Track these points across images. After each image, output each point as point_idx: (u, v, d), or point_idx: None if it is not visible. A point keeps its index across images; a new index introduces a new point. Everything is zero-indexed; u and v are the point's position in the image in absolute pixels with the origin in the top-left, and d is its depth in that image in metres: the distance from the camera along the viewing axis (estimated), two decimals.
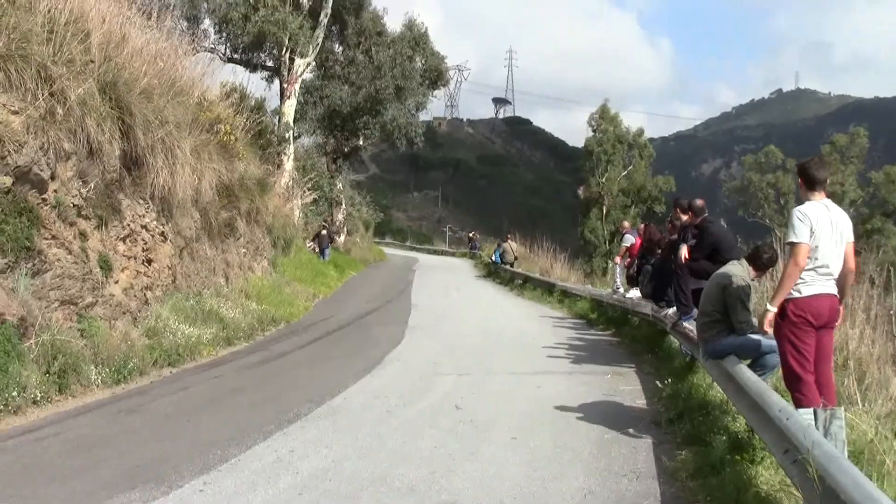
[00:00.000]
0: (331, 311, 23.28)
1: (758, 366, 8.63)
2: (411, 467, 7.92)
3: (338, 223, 46.53)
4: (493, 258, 43.26)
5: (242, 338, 17.10)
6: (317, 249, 37.49)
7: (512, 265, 39.73)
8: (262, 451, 8.49)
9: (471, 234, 70.49)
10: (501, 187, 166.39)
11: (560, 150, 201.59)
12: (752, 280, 9.36)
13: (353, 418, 10.12)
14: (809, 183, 7.59)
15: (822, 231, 7.34)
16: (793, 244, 7.27)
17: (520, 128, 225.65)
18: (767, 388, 7.06)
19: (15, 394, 9.76)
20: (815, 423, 5.99)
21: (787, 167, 75.07)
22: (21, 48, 11.08)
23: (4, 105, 10.69)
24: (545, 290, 29.57)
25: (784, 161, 77.81)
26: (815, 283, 7.40)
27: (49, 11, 12.16)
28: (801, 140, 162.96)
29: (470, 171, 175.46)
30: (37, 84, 11.21)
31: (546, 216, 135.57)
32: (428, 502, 6.89)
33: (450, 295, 30.31)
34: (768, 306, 7.50)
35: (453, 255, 69.11)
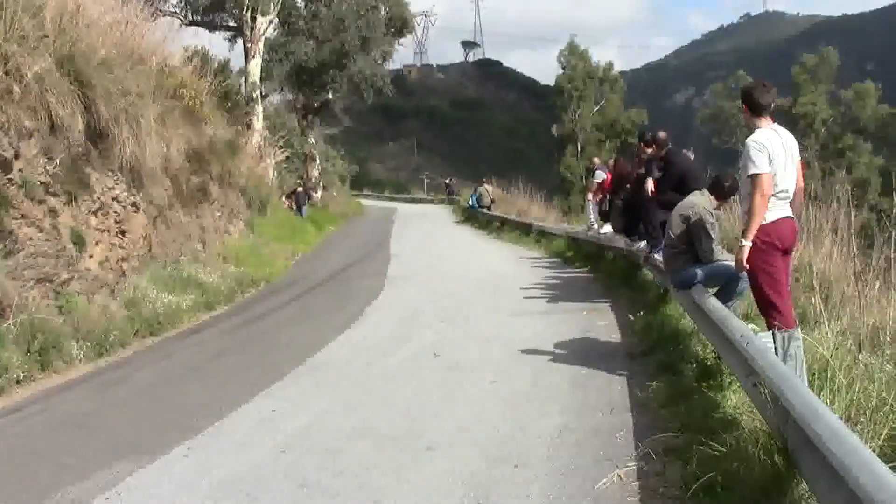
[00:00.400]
0: (311, 268, 23.36)
1: (725, 293, 8.76)
2: (393, 417, 8.10)
3: (313, 179, 46.36)
4: (470, 203, 43.29)
5: (223, 301, 17.14)
6: (294, 207, 37.40)
7: (489, 208, 39.81)
8: (245, 412, 8.63)
9: (448, 181, 70.48)
10: (476, 131, 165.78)
11: (532, 90, 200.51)
12: (715, 209, 9.49)
13: (334, 373, 10.28)
14: (755, 108, 7.60)
15: (777, 156, 7.38)
16: (755, 175, 7.28)
17: (490, 70, 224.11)
18: (730, 315, 7.23)
19: None
20: (775, 346, 6.14)
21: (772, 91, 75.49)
22: None
23: None
24: (522, 231, 29.70)
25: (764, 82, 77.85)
26: (776, 209, 7.46)
27: None
28: (772, 63, 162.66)
29: (443, 118, 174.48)
30: None
31: (523, 157, 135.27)
32: (409, 450, 7.04)
33: (428, 243, 30.36)
34: (743, 241, 7.52)
35: (432, 202, 69.08)
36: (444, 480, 6.24)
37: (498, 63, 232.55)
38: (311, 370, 10.51)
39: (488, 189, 41.89)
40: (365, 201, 63.89)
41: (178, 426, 8.17)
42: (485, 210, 39.77)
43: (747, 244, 7.37)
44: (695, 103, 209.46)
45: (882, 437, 5.15)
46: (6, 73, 11.47)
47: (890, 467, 3.60)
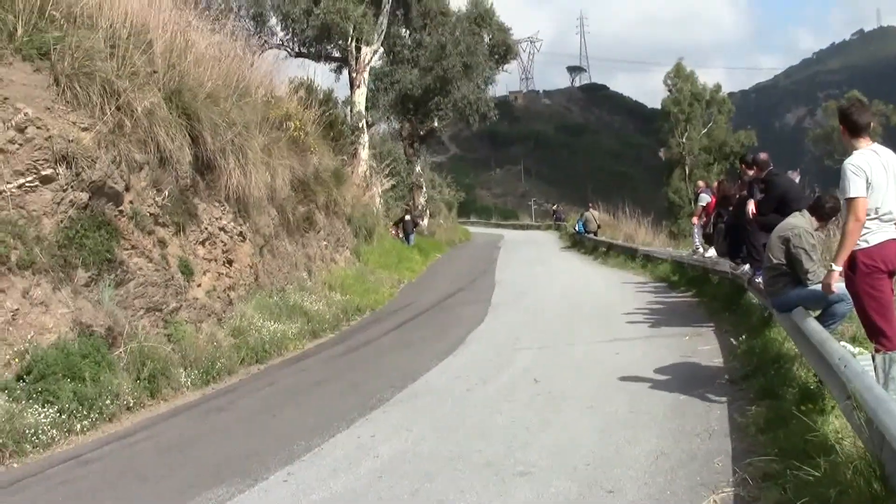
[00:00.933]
0: (415, 296, 23.49)
1: (827, 315, 8.57)
2: (488, 443, 8.10)
3: (420, 207, 46.66)
4: (577, 228, 43.12)
5: (328, 329, 17.39)
6: (401, 235, 37.61)
7: (595, 234, 39.56)
8: (344, 438, 8.75)
9: (554, 207, 70.43)
10: (583, 156, 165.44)
11: (639, 113, 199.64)
12: (816, 230, 9.31)
13: (433, 399, 10.34)
14: (853, 129, 7.42)
15: (878, 178, 7.18)
16: (851, 199, 7.12)
17: (596, 94, 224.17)
18: (829, 337, 7.06)
19: (108, 402, 10.15)
20: (875, 370, 6.00)
21: (872, 110, 73.87)
22: (85, 65, 11.43)
23: (74, 123, 11.06)
24: (628, 255, 29.43)
25: (870, 104, 76.25)
26: (880, 231, 7.28)
27: (111, 27, 12.47)
28: (887, 80, 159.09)
29: (549, 143, 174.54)
30: (103, 99, 11.55)
31: (629, 180, 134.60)
32: (503, 475, 7.03)
33: (533, 269, 30.20)
34: (833, 266, 7.40)
35: (538, 228, 68.97)
36: None
37: (604, 87, 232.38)
38: (410, 397, 10.60)
39: (594, 214, 41.70)
40: (472, 228, 64.21)
41: (279, 452, 8.34)
42: (591, 235, 39.52)
43: (837, 269, 7.25)
44: (807, 123, 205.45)
45: None
46: (118, 109, 11.89)
47: None
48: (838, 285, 7.54)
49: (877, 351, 6.88)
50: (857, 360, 6.11)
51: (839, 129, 7.97)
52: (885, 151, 7.44)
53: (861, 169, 7.11)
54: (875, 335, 7.22)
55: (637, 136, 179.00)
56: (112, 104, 11.72)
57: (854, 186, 7.07)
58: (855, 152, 7.30)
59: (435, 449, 8.06)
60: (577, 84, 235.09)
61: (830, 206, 9.10)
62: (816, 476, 5.46)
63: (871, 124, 7.58)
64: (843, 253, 7.19)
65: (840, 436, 6.32)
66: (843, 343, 7.14)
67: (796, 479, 5.62)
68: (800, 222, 9.10)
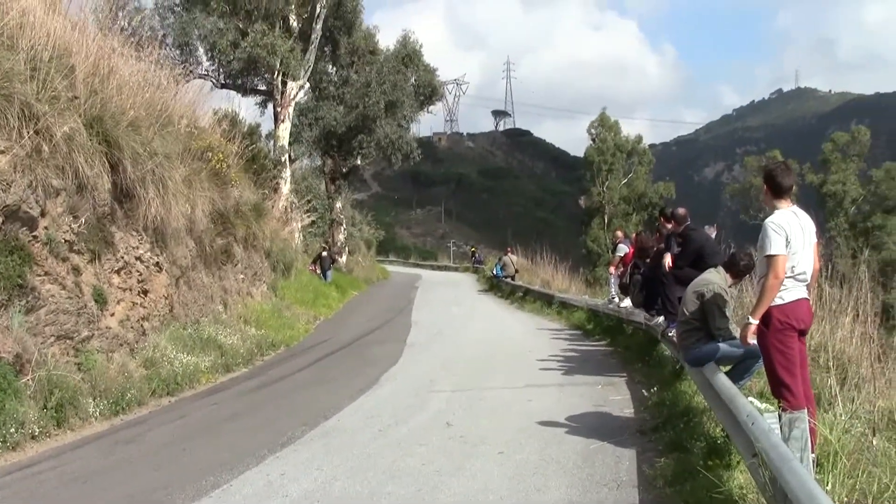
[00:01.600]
0: (331, 333, 23.38)
1: (738, 371, 8.76)
2: (399, 485, 8.07)
3: (339, 243, 46.46)
4: (495, 272, 43.41)
5: (241, 363, 17.20)
6: (318, 271, 37.36)
7: (513, 278, 39.89)
8: (253, 475, 8.65)
9: (473, 250, 70.75)
10: (504, 200, 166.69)
11: (562, 160, 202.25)
12: (730, 286, 9.50)
13: (345, 439, 10.27)
14: (777, 191, 7.63)
15: (796, 239, 7.41)
16: (771, 257, 7.33)
17: (520, 139, 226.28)
18: (738, 394, 7.20)
19: (12, 430, 9.87)
20: (781, 428, 6.12)
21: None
22: (3, 87, 11.15)
23: None
24: (544, 301, 29.68)
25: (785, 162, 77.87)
26: (794, 289, 7.48)
27: (32, 48, 12.22)
28: (803, 140, 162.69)
29: (472, 185, 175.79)
30: (21, 122, 11.25)
31: (550, 227, 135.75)
32: None
33: (450, 311, 30.35)
34: (750, 319, 7.58)
35: (456, 270, 69.16)
36: None
37: (527, 132, 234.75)
38: (322, 435, 10.52)
39: (512, 259, 42.07)
40: (390, 267, 64.11)
41: (187, 487, 8.22)
42: (508, 280, 39.83)
43: (754, 322, 7.45)
44: (724, 178, 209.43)
45: None
46: (36, 133, 11.62)
47: None
48: (752, 339, 7.71)
49: (783, 410, 7.03)
50: (765, 417, 6.23)
51: (761, 188, 8.18)
52: (803, 214, 7.68)
53: (782, 228, 7.33)
54: (779, 390, 7.39)
55: (559, 184, 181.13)
56: (30, 128, 11.43)
57: (775, 244, 7.29)
58: (776, 211, 7.51)
59: (345, 490, 8.00)
60: (501, 128, 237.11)
61: (745, 263, 9.31)
62: None
63: (794, 187, 7.80)
64: (761, 308, 7.38)
65: (744, 491, 6.44)
66: (750, 398, 7.29)
67: None
68: (714, 278, 9.29)
